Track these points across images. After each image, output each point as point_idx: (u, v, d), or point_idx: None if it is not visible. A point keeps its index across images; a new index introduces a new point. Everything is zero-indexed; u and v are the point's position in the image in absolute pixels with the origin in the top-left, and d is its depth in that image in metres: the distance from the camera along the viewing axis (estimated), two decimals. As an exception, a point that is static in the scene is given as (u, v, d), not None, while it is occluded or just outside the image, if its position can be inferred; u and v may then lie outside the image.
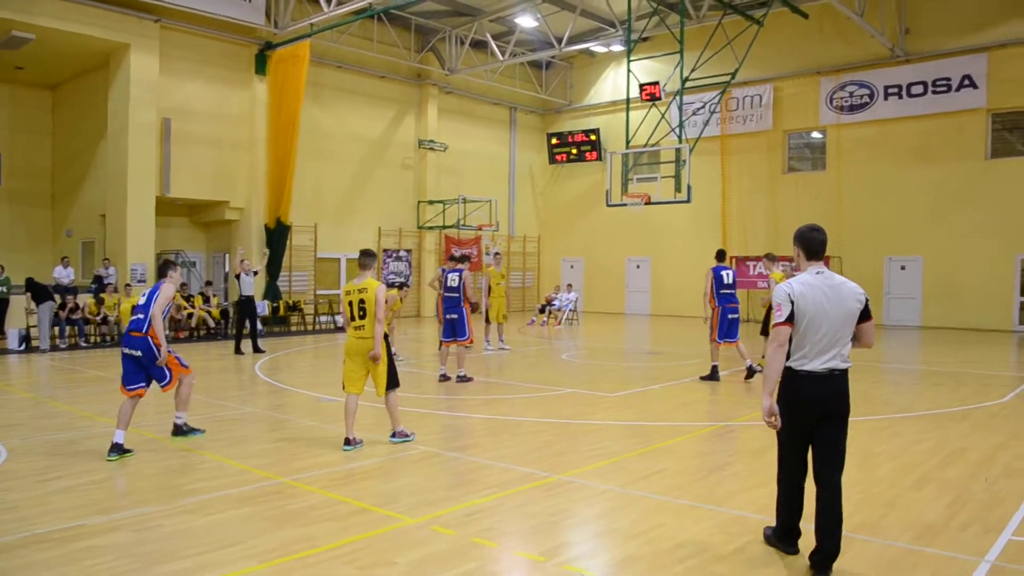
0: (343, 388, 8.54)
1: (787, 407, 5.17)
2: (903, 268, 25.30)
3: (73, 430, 9.45)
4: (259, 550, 5.45)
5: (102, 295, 19.85)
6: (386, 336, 8.49)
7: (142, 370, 8.30)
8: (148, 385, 8.39)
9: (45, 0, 19.61)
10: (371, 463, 7.85)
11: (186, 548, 5.48)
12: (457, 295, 13.52)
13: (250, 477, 7.32)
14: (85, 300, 19.73)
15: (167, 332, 8.55)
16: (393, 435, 8.73)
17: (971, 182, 24.31)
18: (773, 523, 5.58)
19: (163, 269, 8.73)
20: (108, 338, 19.65)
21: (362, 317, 8.35)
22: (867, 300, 5.15)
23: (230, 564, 5.20)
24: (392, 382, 8.56)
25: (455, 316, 13.46)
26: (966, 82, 24.27)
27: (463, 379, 13.22)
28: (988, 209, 23.91)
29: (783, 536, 5.41)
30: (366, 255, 8.64)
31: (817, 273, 5.14)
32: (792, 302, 5.05)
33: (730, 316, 13.39)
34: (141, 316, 8.29)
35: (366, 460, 7.95)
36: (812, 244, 5.23)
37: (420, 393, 12.38)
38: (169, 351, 8.38)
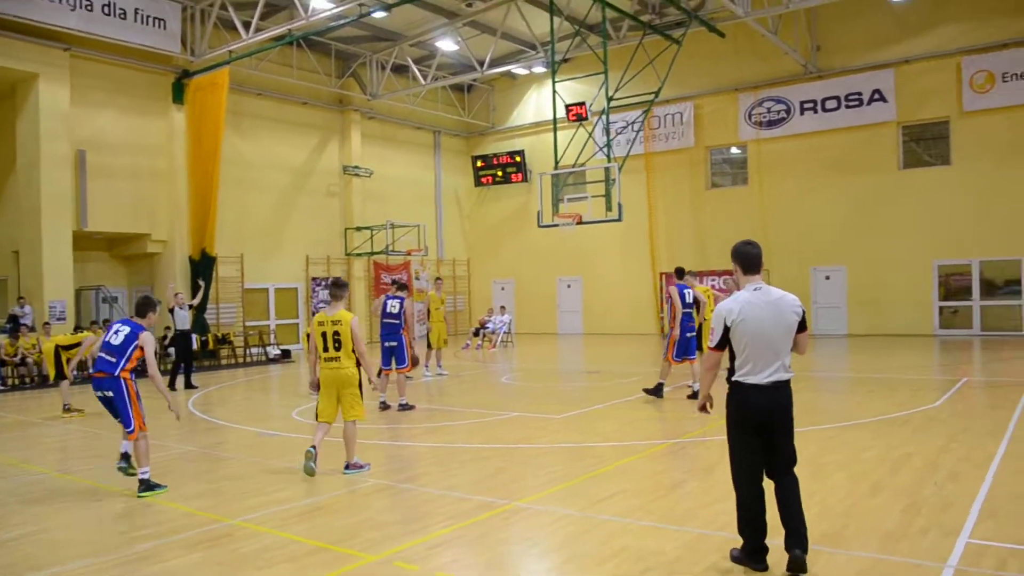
0: (316, 418, 8.54)
1: (735, 418, 5.37)
2: (827, 278, 25.96)
3: (2, 479, 8.94)
4: (214, 598, 5.21)
5: (18, 335, 18.95)
6: (359, 365, 8.52)
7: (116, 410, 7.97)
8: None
9: (-57, 28, 18.82)
10: (322, 499, 7.61)
11: (136, 601, 5.21)
12: (397, 322, 13.36)
13: (197, 520, 7.01)
14: (0, 341, 18.84)
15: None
16: (347, 467, 8.55)
17: (886, 192, 25.11)
18: (738, 544, 5.54)
19: (142, 309, 8.26)
20: (27, 380, 18.80)
21: (336, 349, 8.34)
22: (803, 312, 5.36)
23: (186, 616, 4.95)
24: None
25: (394, 343, 13.28)
26: (876, 96, 25.12)
27: (404, 407, 12.99)
28: (904, 218, 24.73)
29: (751, 553, 5.38)
30: (337, 286, 8.66)
31: (755, 289, 5.32)
32: (726, 327, 5.25)
33: (688, 335, 13.38)
34: (112, 359, 7.90)
35: (317, 496, 7.71)
36: (747, 259, 5.40)
37: (361, 423, 12.09)
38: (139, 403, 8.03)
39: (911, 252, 24.61)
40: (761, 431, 5.27)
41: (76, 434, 12.04)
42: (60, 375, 13.92)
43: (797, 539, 5.21)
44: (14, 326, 19.40)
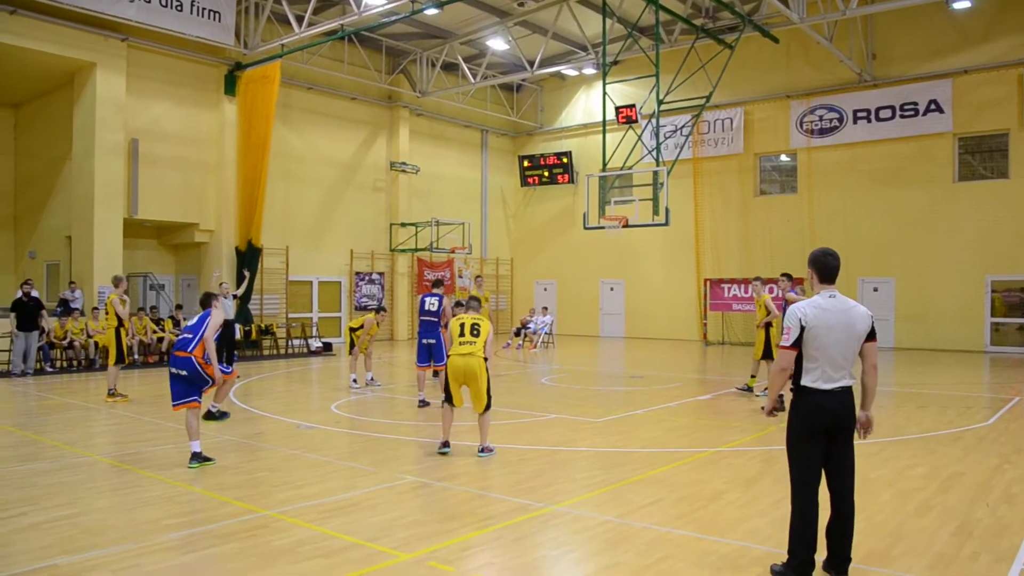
0: (447, 403, 9.40)
1: (802, 423, 5.25)
2: (875, 290, 25.45)
3: (41, 460, 9.04)
4: (247, 590, 5.17)
5: (68, 319, 19.25)
6: (486, 359, 9.14)
7: (192, 386, 8.76)
8: (199, 397, 8.88)
9: (7, 17, 19.14)
10: (358, 495, 7.56)
11: (170, 589, 5.19)
12: (435, 319, 13.27)
13: (232, 510, 7.00)
14: (51, 324, 19.12)
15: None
16: (481, 450, 9.25)
17: (939, 205, 24.57)
18: (780, 559, 5.41)
19: (206, 300, 9.38)
20: (75, 363, 19.08)
21: (474, 335, 9.14)
22: (873, 321, 5.35)
23: (218, 606, 4.92)
24: (488, 404, 9.20)
25: (432, 340, 13.17)
26: (932, 107, 24.57)
27: (423, 404, 12.96)
28: (957, 231, 24.17)
29: (798, 568, 5.18)
30: (473, 299, 10.07)
31: (830, 297, 5.29)
32: (802, 327, 5.19)
33: None
34: (189, 336, 8.79)
35: (352, 492, 7.66)
36: (825, 269, 5.39)
37: (400, 419, 12.09)
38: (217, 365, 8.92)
39: (964, 266, 24.03)
40: (826, 433, 5.19)
41: (120, 419, 12.16)
42: (120, 358, 14.00)
43: (839, 564, 5.20)
44: (64, 309, 19.73)
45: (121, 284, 14.22)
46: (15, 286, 21.24)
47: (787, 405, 5.50)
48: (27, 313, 17.41)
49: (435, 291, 13.64)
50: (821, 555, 5.25)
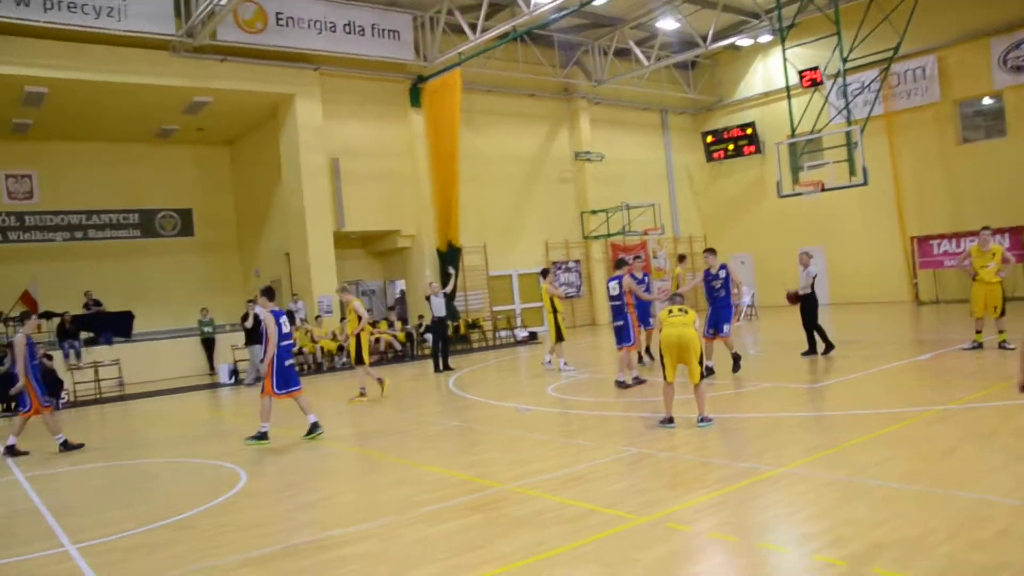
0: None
1: None
2: (1111, 235, 23.38)
3: (299, 450, 10.06)
4: (500, 553, 5.62)
5: (294, 328, 20.88)
6: None
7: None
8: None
9: (218, 65, 21.19)
10: (584, 467, 7.94)
11: (432, 554, 5.73)
12: (620, 303, 13.12)
13: (473, 486, 7.56)
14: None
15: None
16: (700, 420, 9.42)
17: None
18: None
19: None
20: (306, 367, 20.61)
21: (683, 313, 9.43)
22: None
23: (477, 567, 5.39)
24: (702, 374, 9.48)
25: (620, 323, 13.08)
26: None
27: (622, 384, 12.95)
28: None
29: None
30: (675, 296, 10.08)
31: None
32: None
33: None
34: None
35: (579, 465, 8.05)
36: None
37: (616, 398, 12.37)
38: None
39: None
40: None
41: (353, 412, 13.21)
42: (359, 359, 15.01)
43: None
44: (290, 320, 21.39)
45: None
46: (244, 304, 23.28)
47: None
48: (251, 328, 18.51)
49: (617, 273, 13.49)
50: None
